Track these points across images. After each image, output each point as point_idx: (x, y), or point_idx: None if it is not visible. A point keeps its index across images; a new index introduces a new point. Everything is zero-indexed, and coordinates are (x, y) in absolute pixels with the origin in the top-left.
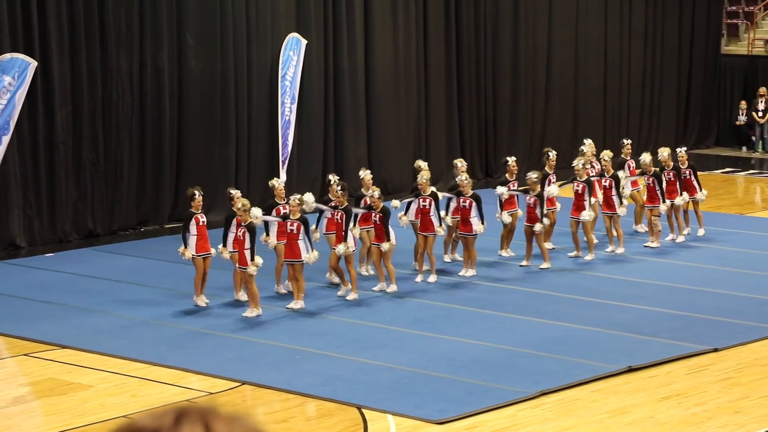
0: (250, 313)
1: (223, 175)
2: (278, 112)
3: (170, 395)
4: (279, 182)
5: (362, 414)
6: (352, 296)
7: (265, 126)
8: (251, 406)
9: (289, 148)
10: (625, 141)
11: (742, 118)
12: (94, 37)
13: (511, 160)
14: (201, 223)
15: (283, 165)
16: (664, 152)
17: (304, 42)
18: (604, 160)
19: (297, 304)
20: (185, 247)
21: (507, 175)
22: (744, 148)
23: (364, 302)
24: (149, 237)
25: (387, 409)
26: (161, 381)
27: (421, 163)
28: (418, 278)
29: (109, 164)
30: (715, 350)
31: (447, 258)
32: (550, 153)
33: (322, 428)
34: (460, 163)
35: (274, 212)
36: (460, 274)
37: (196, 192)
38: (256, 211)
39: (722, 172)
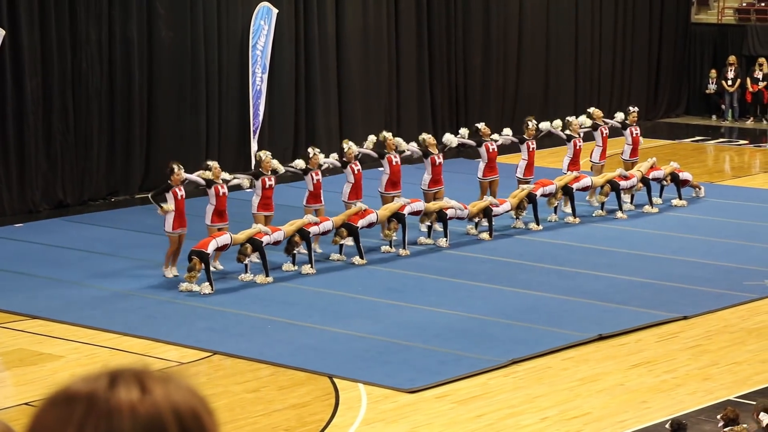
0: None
1: (194, 144)
2: (249, 82)
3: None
4: (267, 154)
5: (333, 383)
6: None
7: (236, 96)
8: (222, 375)
9: (260, 118)
10: (631, 108)
11: (712, 87)
12: (64, 6)
13: (482, 125)
14: (179, 197)
15: (254, 135)
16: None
17: (275, 11)
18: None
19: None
20: (162, 206)
21: (483, 137)
22: (714, 117)
23: (335, 272)
24: (120, 207)
25: (358, 379)
26: (132, 351)
27: (386, 134)
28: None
29: (78, 134)
30: (685, 318)
31: (423, 227)
32: (530, 122)
33: (293, 397)
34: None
35: (260, 183)
36: (438, 243)
37: (175, 166)
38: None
39: (692, 141)
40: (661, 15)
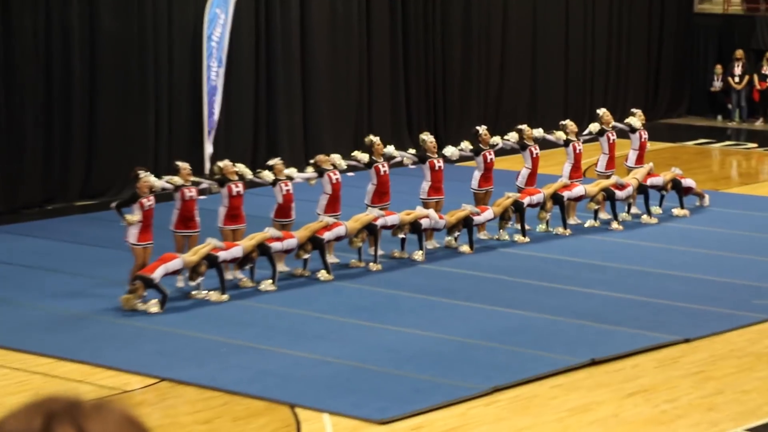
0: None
1: (141, 146)
2: (203, 77)
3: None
4: (227, 163)
5: (295, 414)
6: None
7: (188, 92)
8: (171, 405)
9: (216, 117)
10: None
11: (717, 84)
12: None
13: (482, 129)
14: (147, 208)
15: (209, 135)
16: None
17: None
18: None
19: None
20: (126, 217)
21: (481, 145)
22: (719, 117)
23: (297, 289)
24: (56, 216)
25: (323, 408)
26: (68, 378)
27: (374, 138)
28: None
29: (11, 134)
30: (687, 341)
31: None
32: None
33: (250, 429)
34: (426, 137)
35: (225, 190)
36: (413, 257)
37: (141, 171)
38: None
39: (695, 144)
40: (662, 4)
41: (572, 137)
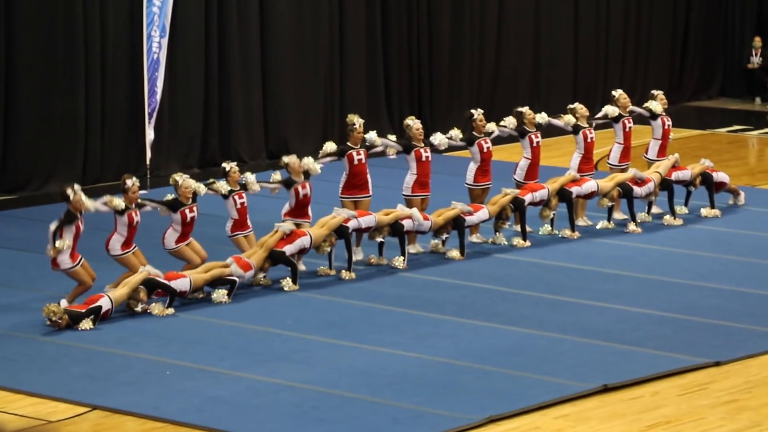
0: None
1: (69, 132)
2: (143, 49)
3: None
4: (183, 178)
5: None
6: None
7: (124, 67)
8: None
9: (159, 97)
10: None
11: (755, 60)
12: None
13: (477, 113)
14: (80, 229)
15: (150, 119)
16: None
17: None
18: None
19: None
20: (55, 246)
21: (474, 132)
22: (758, 100)
23: (256, 300)
24: None
25: None
26: None
27: (356, 120)
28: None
29: None
30: (717, 364)
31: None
32: (523, 110)
33: None
34: (411, 121)
35: (179, 217)
36: (393, 264)
37: (70, 190)
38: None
39: (729, 131)
40: None
41: (583, 123)
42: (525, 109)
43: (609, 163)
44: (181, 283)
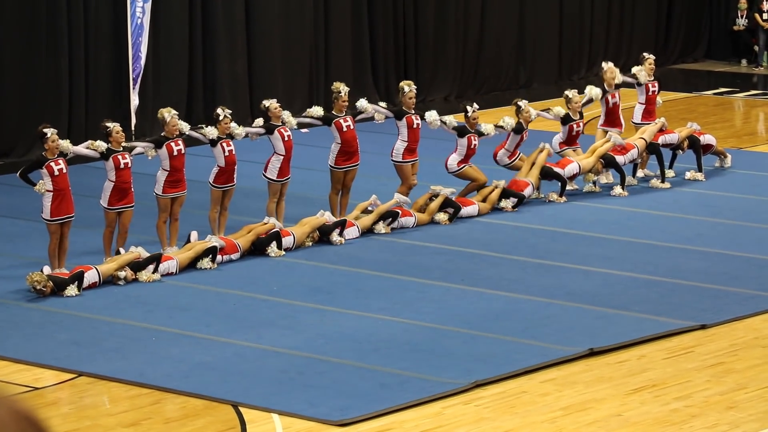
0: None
1: (52, 96)
2: (127, 12)
3: None
4: (172, 113)
5: (239, 414)
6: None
7: (108, 31)
8: (90, 404)
9: (143, 62)
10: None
11: (741, 22)
12: None
13: (472, 108)
14: (57, 173)
15: (134, 83)
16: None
17: None
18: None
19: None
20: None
21: (467, 126)
22: (744, 62)
23: (241, 266)
24: None
25: (272, 408)
26: None
27: (342, 88)
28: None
29: None
30: (703, 327)
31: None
32: (521, 103)
33: None
34: (408, 87)
35: (165, 151)
36: (377, 229)
37: (48, 131)
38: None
39: (715, 93)
40: None
41: (574, 116)
42: (523, 104)
43: (600, 127)
44: (170, 266)
